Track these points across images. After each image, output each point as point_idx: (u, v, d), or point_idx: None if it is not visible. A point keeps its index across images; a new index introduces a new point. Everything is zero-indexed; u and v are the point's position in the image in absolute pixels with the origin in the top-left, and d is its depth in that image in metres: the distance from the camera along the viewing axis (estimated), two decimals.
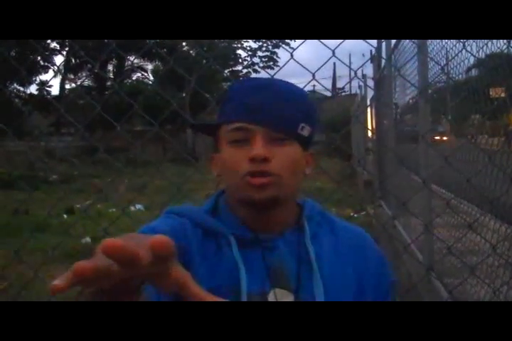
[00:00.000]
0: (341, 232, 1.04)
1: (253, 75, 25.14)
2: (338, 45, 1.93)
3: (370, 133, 9.37)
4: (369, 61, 6.29)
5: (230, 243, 0.96)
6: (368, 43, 2.05)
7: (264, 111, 0.92)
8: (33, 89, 26.49)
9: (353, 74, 2.22)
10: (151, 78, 26.07)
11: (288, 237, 0.99)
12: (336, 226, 1.05)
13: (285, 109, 0.94)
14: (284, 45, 22.08)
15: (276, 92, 0.95)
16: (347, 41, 1.87)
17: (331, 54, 1.93)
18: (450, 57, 2.58)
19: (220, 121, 0.98)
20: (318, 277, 0.95)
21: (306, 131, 0.96)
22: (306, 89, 1.30)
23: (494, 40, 2.02)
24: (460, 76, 2.59)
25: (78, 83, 25.08)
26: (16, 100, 19.31)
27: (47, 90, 22.75)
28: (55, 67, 22.72)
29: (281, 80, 1.01)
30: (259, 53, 25.66)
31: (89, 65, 23.56)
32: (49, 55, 22.68)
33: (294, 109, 0.95)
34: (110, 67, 25.46)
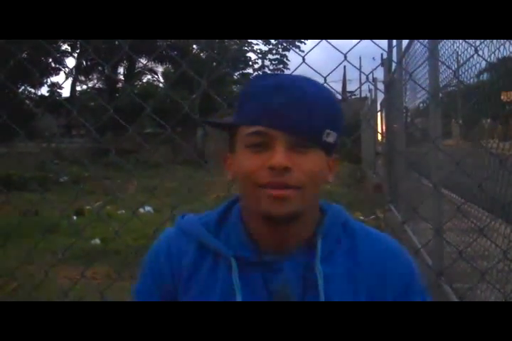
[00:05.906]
0: (362, 249, 0.93)
1: None
2: (351, 49, 1.92)
3: (380, 137, 9.35)
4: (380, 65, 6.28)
5: (231, 265, 0.89)
6: (379, 46, 2.04)
7: (286, 115, 0.81)
8: (43, 90, 26.67)
9: (364, 78, 2.21)
10: (162, 80, 26.15)
11: (296, 258, 0.90)
12: (358, 239, 0.94)
13: (310, 113, 0.82)
14: (294, 48, 22.12)
15: (301, 93, 0.83)
16: (357, 44, 1.86)
17: (341, 55, 1.92)
18: (461, 62, 2.57)
19: (239, 121, 0.87)
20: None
21: (331, 138, 0.85)
22: None
23: (506, 45, 2.01)
24: (471, 80, 2.58)
25: (89, 85, 25.20)
26: (27, 101, 19.44)
27: (58, 92, 22.89)
28: (67, 69, 22.79)
29: (306, 78, 0.88)
30: (270, 56, 25.74)
31: (99, 67, 23.68)
32: (60, 57, 22.81)
33: (319, 113, 0.83)
34: (121, 70, 25.59)
